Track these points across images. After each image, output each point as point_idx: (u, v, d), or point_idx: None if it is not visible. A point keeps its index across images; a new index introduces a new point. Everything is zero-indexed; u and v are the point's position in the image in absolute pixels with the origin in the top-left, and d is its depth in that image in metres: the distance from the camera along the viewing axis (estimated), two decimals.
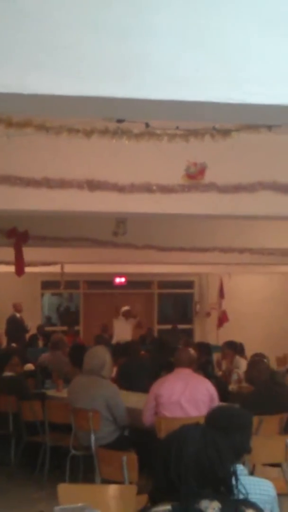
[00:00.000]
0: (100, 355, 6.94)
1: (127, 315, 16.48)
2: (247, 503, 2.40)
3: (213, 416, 3.50)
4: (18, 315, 15.55)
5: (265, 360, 8.01)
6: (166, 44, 2.86)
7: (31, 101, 2.91)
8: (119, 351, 11.06)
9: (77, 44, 2.80)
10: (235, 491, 2.37)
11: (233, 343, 10.26)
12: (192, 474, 2.28)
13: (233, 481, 2.36)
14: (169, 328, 17.59)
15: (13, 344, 12.57)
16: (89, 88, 2.83)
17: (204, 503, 2.27)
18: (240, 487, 2.38)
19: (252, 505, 2.39)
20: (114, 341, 14.79)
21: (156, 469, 2.37)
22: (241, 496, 2.39)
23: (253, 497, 2.64)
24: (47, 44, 2.79)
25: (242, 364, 9.47)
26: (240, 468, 3.18)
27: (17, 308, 15.65)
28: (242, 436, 3.38)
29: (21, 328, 15.23)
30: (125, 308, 16.68)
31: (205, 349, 10.07)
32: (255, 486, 3.07)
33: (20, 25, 2.77)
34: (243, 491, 2.39)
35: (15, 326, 15.08)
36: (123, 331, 15.76)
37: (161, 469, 2.35)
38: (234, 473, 2.37)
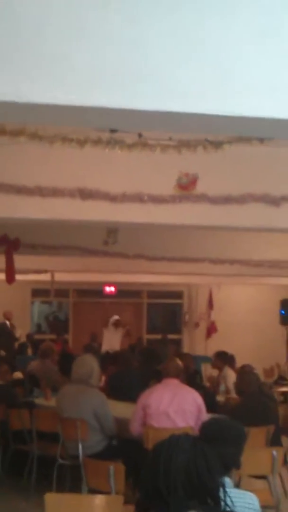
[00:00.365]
0: (88, 364, 6.93)
1: (117, 324, 16.48)
2: None
3: (208, 427, 3.49)
4: (8, 322, 15.52)
5: (255, 372, 8.02)
6: (159, 56, 2.88)
7: (25, 109, 2.92)
8: (109, 360, 11.05)
9: (72, 54, 2.82)
10: (222, 504, 2.37)
11: (224, 354, 10.25)
12: (180, 485, 2.28)
13: (221, 493, 2.36)
14: (159, 338, 17.57)
15: (2, 352, 12.53)
16: (83, 98, 2.85)
17: None
18: (227, 499, 2.37)
19: None
20: (103, 350, 14.78)
21: (143, 479, 2.36)
22: (227, 509, 2.38)
23: (238, 510, 2.64)
24: (41, 54, 2.80)
25: (231, 375, 9.47)
26: (227, 481, 3.18)
27: (7, 316, 15.62)
28: (234, 449, 3.38)
29: (11, 336, 15.19)
30: (115, 317, 16.68)
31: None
32: (240, 499, 3.06)
33: (15, 34, 2.78)
34: (230, 503, 2.38)
35: (5, 334, 15.03)
36: (112, 340, 15.75)
37: (149, 479, 2.34)
38: (222, 485, 2.37)
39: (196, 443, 2.38)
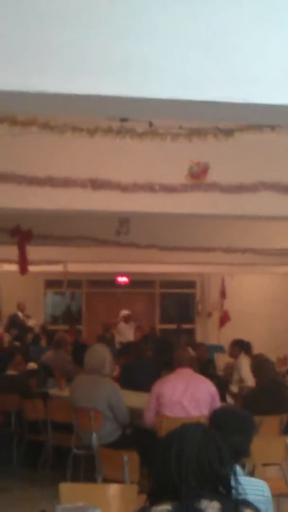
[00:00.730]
0: (100, 354, 6.94)
1: (127, 319, 16.50)
2: (246, 503, 2.40)
3: (217, 416, 3.50)
4: (20, 314, 15.55)
5: (270, 360, 7.99)
6: (169, 44, 2.87)
7: (36, 99, 2.92)
8: (123, 350, 11.07)
9: (82, 43, 2.81)
10: (234, 491, 2.37)
11: (240, 341, 10.18)
12: (192, 473, 2.28)
13: (232, 482, 2.36)
14: (172, 328, 17.58)
15: (16, 343, 12.58)
16: (93, 87, 2.84)
17: (204, 503, 2.26)
18: (239, 487, 2.38)
19: (251, 505, 2.40)
20: (116, 341, 14.84)
21: (155, 468, 2.37)
22: (239, 497, 2.39)
23: (248, 498, 2.65)
24: (52, 44, 2.80)
25: (245, 364, 9.43)
26: (238, 469, 3.19)
27: (20, 307, 15.66)
28: (243, 437, 3.38)
29: (23, 327, 15.23)
30: (125, 312, 16.70)
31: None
32: (250, 487, 3.07)
33: (24, 25, 2.77)
34: (242, 491, 2.39)
35: (17, 325, 15.06)
36: (124, 335, 15.79)
37: (161, 468, 2.35)
38: (234, 474, 2.37)
39: (207, 432, 2.39)
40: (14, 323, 15.18)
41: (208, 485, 2.30)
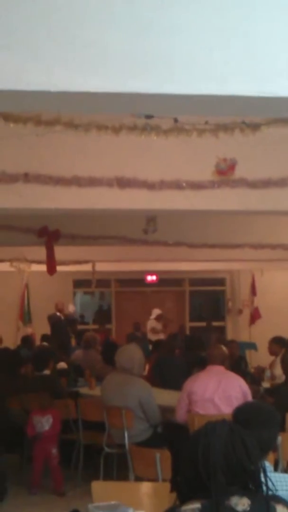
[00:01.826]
0: (132, 353, 6.94)
1: (158, 319, 16.51)
2: (277, 498, 2.38)
3: (240, 411, 3.48)
4: (59, 314, 15.57)
5: None
6: (194, 38, 2.84)
7: (59, 98, 2.91)
8: (153, 349, 11.07)
9: (104, 40, 2.79)
10: (264, 487, 2.35)
11: (281, 339, 10.05)
12: (220, 470, 2.26)
13: (262, 478, 2.34)
14: (202, 325, 17.53)
15: (44, 343, 12.62)
16: (117, 84, 2.82)
17: (234, 500, 2.25)
18: (269, 483, 2.35)
19: (282, 500, 2.37)
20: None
21: (184, 466, 2.36)
22: (269, 493, 2.37)
23: (279, 494, 2.62)
24: (74, 41, 2.79)
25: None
26: (267, 465, 3.16)
27: (58, 307, 15.68)
28: (268, 432, 3.35)
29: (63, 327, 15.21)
30: (156, 311, 16.74)
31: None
32: (281, 482, 3.05)
33: (47, 23, 2.77)
34: (272, 487, 2.37)
35: (57, 325, 15.07)
36: (156, 333, 15.83)
37: (189, 466, 2.33)
38: (263, 470, 2.34)
39: (233, 429, 2.36)
40: (56, 324, 15.14)
41: (237, 482, 2.29)
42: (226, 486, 2.26)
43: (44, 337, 13.06)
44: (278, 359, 9.49)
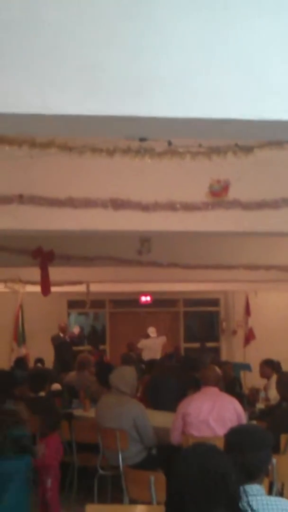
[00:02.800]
0: (126, 375, 6.92)
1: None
2: None
3: (232, 435, 3.47)
4: (62, 335, 15.53)
5: None
6: (188, 62, 2.87)
7: (54, 121, 2.93)
8: (146, 368, 11.03)
9: (98, 64, 2.82)
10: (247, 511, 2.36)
11: (271, 361, 10.08)
12: (196, 501, 2.28)
13: (245, 501, 2.35)
14: (197, 346, 17.50)
15: (39, 364, 12.57)
16: (111, 107, 2.85)
17: None
18: (246, 507, 2.36)
19: None
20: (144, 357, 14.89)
21: (167, 490, 2.39)
22: None
23: None
24: (68, 64, 2.81)
25: (273, 383, 9.33)
26: (257, 488, 3.15)
27: (61, 328, 15.65)
28: (261, 456, 3.33)
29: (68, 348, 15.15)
30: (152, 329, 16.77)
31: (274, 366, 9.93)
32: (273, 506, 3.03)
33: (41, 46, 2.80)
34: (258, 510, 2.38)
35: (62, 347, 15.01)
36: (151, 351, 15.81)
37: (170, 490, 2.36)
38: (244, 493, 2.36)
39: (208, 459, 2.37)
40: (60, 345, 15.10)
41: (220, 505, 2.29)
42: (205, 508, 2.26)
43: (38, 360, 13.02)
44: (272, 381, 9.49)
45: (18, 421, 5.88)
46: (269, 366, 9.88)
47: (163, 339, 16.65)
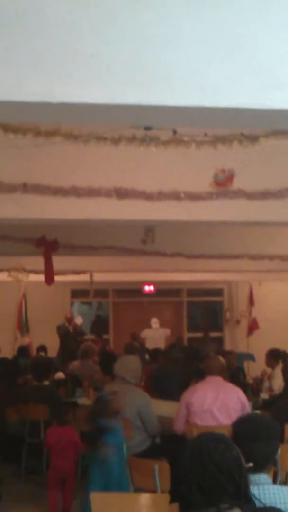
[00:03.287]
0: (130, 364, 6.93)
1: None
2: (273, 510, 2.38)
3: (240, 425, 3.48)
4: (67, 325, 15.55)
5: None
6: (194, 51, 2.86)
7: (59, 110, 2.92)
8: (150, 358, 11.04)
9: (104, 52, 2.81)
10: (256, 500, 2.37)
11: (277, 351, 10.08)
12: (206, 483, 2.29)
13: (254, 490, 2.36)
14: (200, 336, 17.53)
15: (41, 353, 12.61)
16: (117, 96, 2.84)
17: None
18: (252, 497, 2.37)
19: None
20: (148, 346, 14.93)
21: (174, 483, 2.42)
22: (262, 505, 2.38)
23: (278, 507, 2.62)
24: (74, 53, 2.80)
25: (277, 373, 9.34)
26: (264, 477, 3.16)
27: (68, 319, 15.67)
28: (268, 446, 3.34)
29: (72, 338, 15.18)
30: (155, 321, 16.81)
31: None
32: (280, 495, 3.04)
33: (47, 34, 2.78)
34: (267, 499, 2.38)
35: (67, 336, 15.04)
36: (154, 341, 15.83)
37: (176, 480, 2.37)
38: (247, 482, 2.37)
39: (203, 447, 2.38)
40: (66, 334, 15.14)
41: (224, 496, 2.29)
42: (215, 499, 2.27)
43: (40, 348, 13.04)
44: (276, 371, 9.50)
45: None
46: (275, 355, 9.88)
47: (166, 331, 16.66)
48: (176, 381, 8.48)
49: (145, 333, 16.50)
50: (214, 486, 2.30)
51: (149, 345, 15.51)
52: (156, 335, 16.35)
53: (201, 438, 2.45)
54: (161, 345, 15.48)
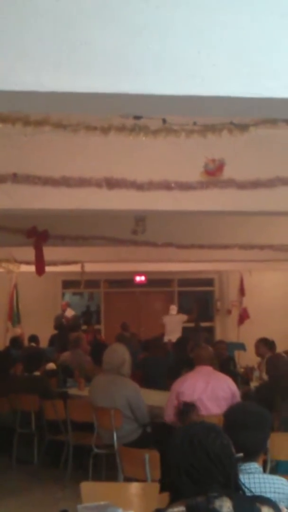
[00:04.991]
0: (119, 353, 6.93)
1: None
2: (262, 499, 2.39)
3: (231, 413, 3.49)
4: (65, 315, 15.60)
5: (284, 356, 7.96)
6: (182, 40, 2.85)
7: (48, 98, 2.90)
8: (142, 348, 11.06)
9: (93, 41, 2.79)
10: (246, 489, 2.38)
11: (266, 340, 10.12)
12: (185, 473, 2.30)
13: (243, 479, 2.37)
14: (191, 326, 17.56)
15: (33, 344, 12.61)
16: (106, 85, 2.82)
17: (217, 502, 2.26)
18: (242, 486, 2.38)
19: (267, 501, 2.38)
20: (166, 338, 15.01)
21: (163, 472, 2.44)
22: (248, 494, 2.39)
23: (267, 495, 2.63)
24: (63, 41, 2.78)
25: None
26: (255, 466, 3.17)
27: (64, 308, 15.72)
28: (257, 434, 3.35)
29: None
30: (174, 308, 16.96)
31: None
32: (269, 484, 3.05)
33: (36, 22, 2.76)
34: (258, 488, 2.39)
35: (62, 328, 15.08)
36: (170, 327, 15.99)
37: (167, 471, 2.38)
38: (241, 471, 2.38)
39: (193, 436, 2.38)
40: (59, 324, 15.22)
41: (213, 484, 2.30)
42: (206, 487, 2.28)
43: (32, 338, 13.05)
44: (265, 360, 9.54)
45: None
46: (265, 344, 9.92)
47: (183, 317, 16.79)
48: (164, 371, 8.51)
49: (165, 319, 16.60)
50: (204, 474, 2.31)
51: (167, 331, 15.64)
52: (174, 321, 16.46)
53: (192, 427, 2.46)
54: (178, 330, 15.64)
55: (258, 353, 10.06)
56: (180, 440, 2.39)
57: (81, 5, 2.78)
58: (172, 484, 2.39)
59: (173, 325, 16.26)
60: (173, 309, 17.12)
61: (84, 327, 16.43)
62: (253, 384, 9.09)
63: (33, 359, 8.73)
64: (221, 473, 2.32)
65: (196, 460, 2.32)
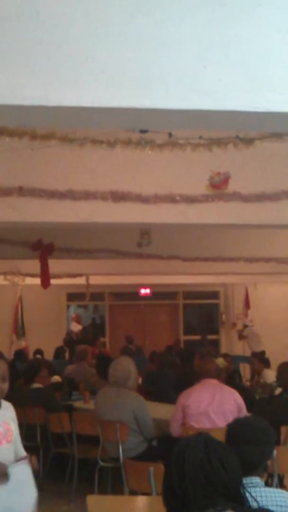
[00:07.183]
0: (125, 366, 6.92)
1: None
2: None
3: (234, 428, 3.47)
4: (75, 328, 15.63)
5: None
6: (189, 54, 2.86)
7: (55, 113, 2.92)
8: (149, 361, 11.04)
9: (100, 55, 2.81)
10: (250, 502, 2.36)
11: (262, 357, 10.15)
12: (197, 486, 2.27)
13: (247, 493, 2.35)
14: (196, 339, 17.53)
15: (38, 356, 12.60)
16: (113, 99, 2.84)
17: None
18: (250, 499, 2.36)
19: None
20: None
21: (164, 483, 2.38)
22: (257, 506, 2.37)
23: (271, 509, 2.62)
24: (70, 56, 2.80)
25: (270, 374, 9.38)
26: (256, 480, 3.15)
27: (76, 320, 15.75)
28: (259, 449, 3.32)
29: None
30: None
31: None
32: (271, 498, 3.03)
33: (43, 37, 2.79)
34: (255, 504, 2.37)
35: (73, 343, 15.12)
36: None
37: (166, 482, 2.35)
38: (242, 484, 2.35)
39: (208, 443, 2.36)
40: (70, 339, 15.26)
41: (219, 497, 2.28)
42: (208, 502, 2.26)
43: (37, 351, 13.05)
44: (264, 374, 9.58)
45: None
46: (260, 361, 9.94)
47: None
48: (171, 384, 8.49)
49: None
50: (208, 487, 2.29)
51: None
52: None
53: (202, 435, 2.43)
54: None
55: (254, 369, 10.09)
56: (192, 446, 2.36)
57: (86, 20, 2.80)
58: (174, 499, 2.36)
59: None
60: None
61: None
62: (258, 396, 9.07)
63: (29, 371, 8.71)
64: (226, 484, 2.31)
65: (211, 466, 2.29)
